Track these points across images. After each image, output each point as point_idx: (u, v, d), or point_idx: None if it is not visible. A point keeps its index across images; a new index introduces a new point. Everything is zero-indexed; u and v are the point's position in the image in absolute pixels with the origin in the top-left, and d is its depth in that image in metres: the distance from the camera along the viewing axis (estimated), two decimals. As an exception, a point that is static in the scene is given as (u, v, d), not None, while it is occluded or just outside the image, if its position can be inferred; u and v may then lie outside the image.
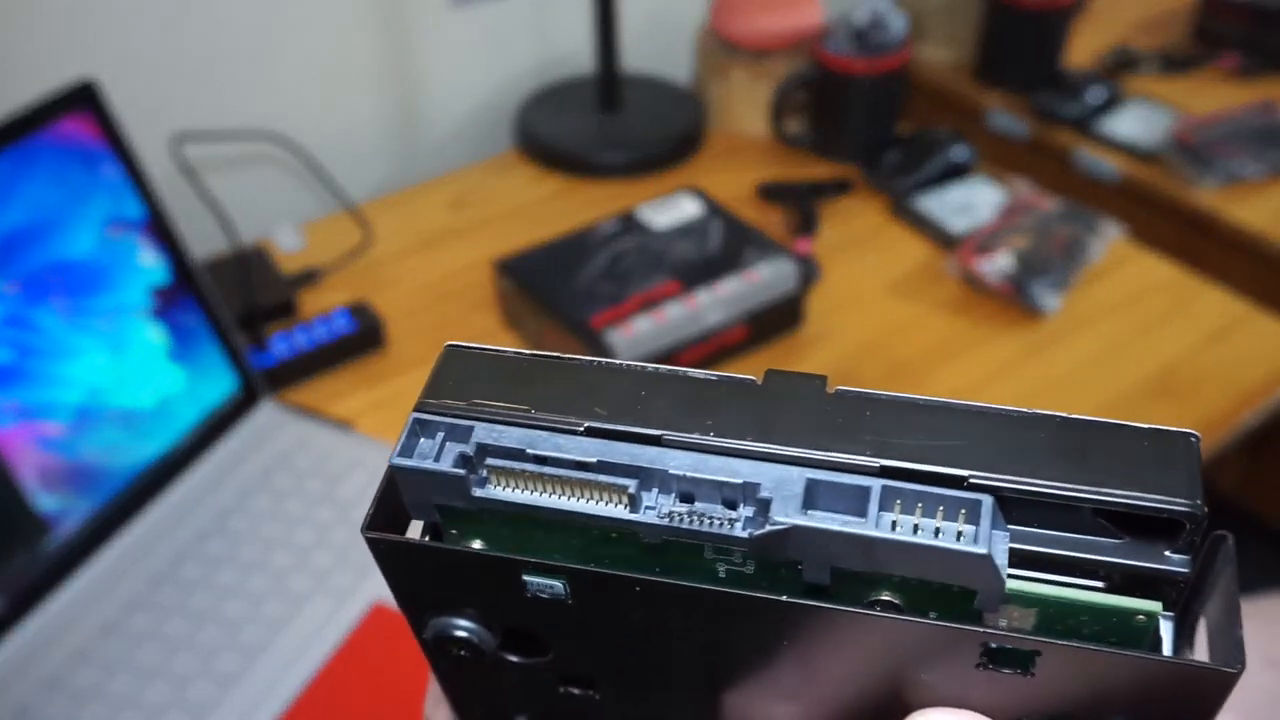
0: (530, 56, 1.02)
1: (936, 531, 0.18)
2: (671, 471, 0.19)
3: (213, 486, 0.62)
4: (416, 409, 0.20)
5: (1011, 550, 0.19)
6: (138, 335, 0.60)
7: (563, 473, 0.19)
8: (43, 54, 0.77)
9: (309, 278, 0.81)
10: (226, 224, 0.77)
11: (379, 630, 0.55)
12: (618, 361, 0.20)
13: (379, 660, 0.54)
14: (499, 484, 0.20)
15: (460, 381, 0.20)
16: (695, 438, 0.19)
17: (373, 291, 0.81)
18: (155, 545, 0.59)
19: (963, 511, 0.18)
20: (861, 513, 0.18)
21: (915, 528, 0.18)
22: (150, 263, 0.61)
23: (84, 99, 0.58)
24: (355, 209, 0.88)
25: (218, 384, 0.65)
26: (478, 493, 0.19)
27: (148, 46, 0.81)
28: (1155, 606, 0.19)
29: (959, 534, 0.18)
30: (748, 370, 0.21)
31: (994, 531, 0.18)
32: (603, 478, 0.19)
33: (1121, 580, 0.19)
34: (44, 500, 0.55)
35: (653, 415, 0.19)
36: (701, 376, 0.20)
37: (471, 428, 0.20)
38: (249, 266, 0.78)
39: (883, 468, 0.18)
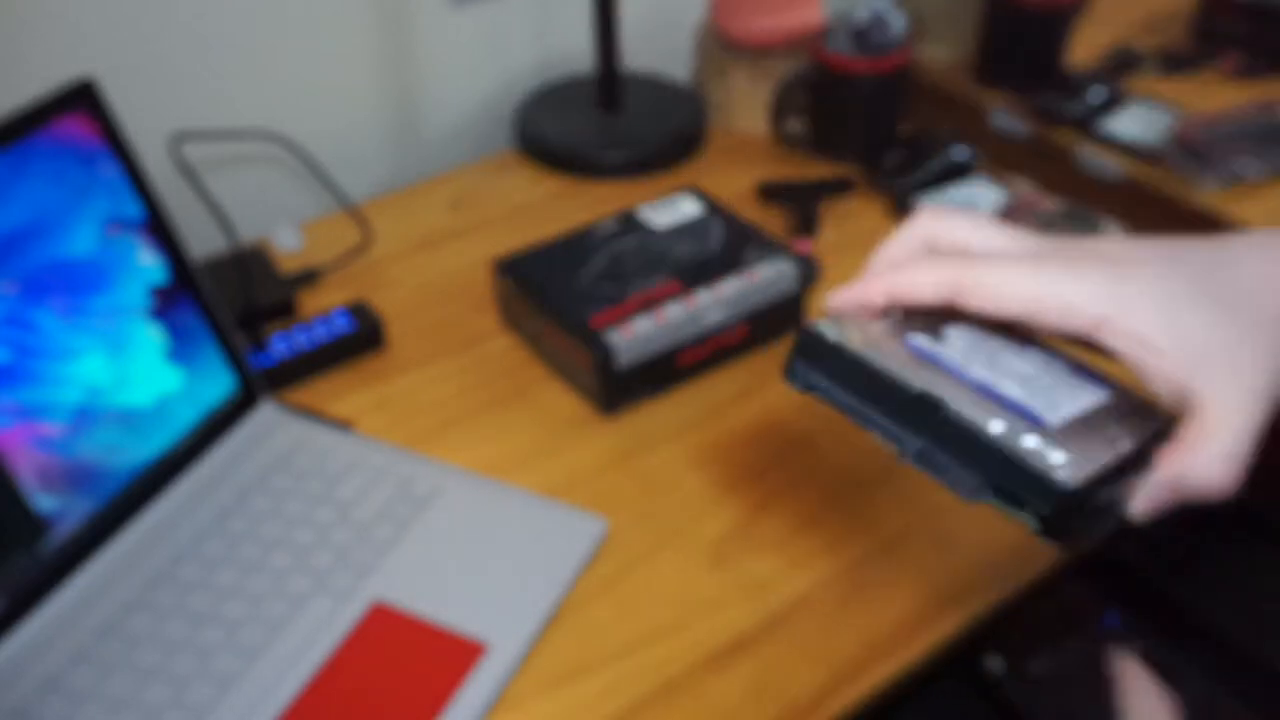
0: (530, 56, 1.02)
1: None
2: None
3: (212, 487, 0.62)
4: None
5: None
6: (136, 335, 0.60)
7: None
8: (42, 54, 0.77)
9: (308, 278, 0.81)
10: (225, 224, 0.77)
11: (378, 631, 0.55)
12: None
13: (378, 661, 0.53)
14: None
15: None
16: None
17: (372, 291, 0.80)
18: (154, 546, 0.59)
19: None
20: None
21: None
22: (149, 262, 0.61)
23: (83, 98, 0.58)
24: (354, 209, 0.88)
25: (217, 384, 0.65)
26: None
27: (147, 46, 0.81)
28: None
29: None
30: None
31: None
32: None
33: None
34: (42, 501, 0.55)
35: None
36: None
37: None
38: (248, 266, 0.78)
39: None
